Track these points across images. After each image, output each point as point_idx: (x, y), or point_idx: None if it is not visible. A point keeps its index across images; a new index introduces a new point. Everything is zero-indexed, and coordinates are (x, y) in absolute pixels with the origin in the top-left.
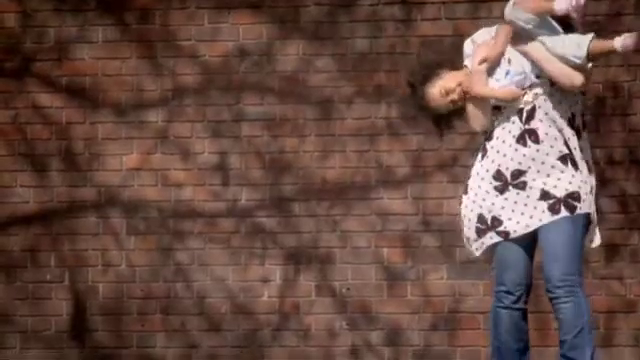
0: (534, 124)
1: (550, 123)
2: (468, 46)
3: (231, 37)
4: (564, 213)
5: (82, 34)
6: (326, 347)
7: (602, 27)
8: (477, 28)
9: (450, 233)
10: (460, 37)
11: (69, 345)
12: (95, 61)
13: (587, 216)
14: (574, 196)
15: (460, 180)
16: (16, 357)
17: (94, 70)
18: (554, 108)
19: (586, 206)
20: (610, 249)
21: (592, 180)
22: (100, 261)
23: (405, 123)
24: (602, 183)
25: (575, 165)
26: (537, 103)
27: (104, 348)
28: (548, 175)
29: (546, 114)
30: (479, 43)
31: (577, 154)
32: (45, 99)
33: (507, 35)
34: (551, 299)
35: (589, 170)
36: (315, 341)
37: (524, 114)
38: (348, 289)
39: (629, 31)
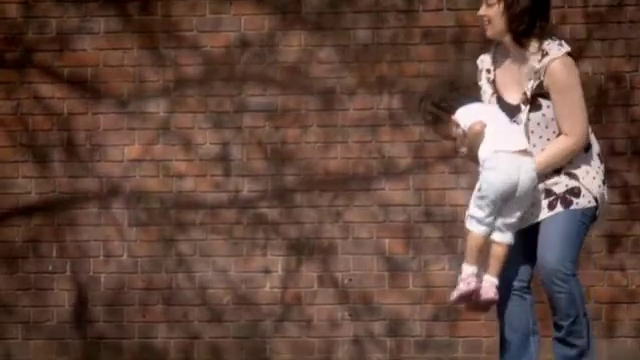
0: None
1: (536, 140)
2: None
3: (233, 28)
4: (559, 208)
5: (84, 25)
6: (328, 338)
7: (604, 18)
8: (479, 19)
9: (452, 224)
10: (462, 28)
11: (71, 336)
12: (97, 52)
13: (589, 211)
14: (574, 191)
15: (462, 171)
16: (18, 347)
17: (96, 61)
18: (539, 127)
19: (585, 202)
20: (612, 240)
21: (598, 174)
22: (102, 252)
23: (407, 114)
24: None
25: (567, 172)
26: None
27: (106, 339)
28: (547, 177)
29: (532, 132)
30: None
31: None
32: (47, 90)
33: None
34: (544, 286)
35: (600, 161)
36: (317, 332)
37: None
38: (350, 280)
39: (631, 22)
